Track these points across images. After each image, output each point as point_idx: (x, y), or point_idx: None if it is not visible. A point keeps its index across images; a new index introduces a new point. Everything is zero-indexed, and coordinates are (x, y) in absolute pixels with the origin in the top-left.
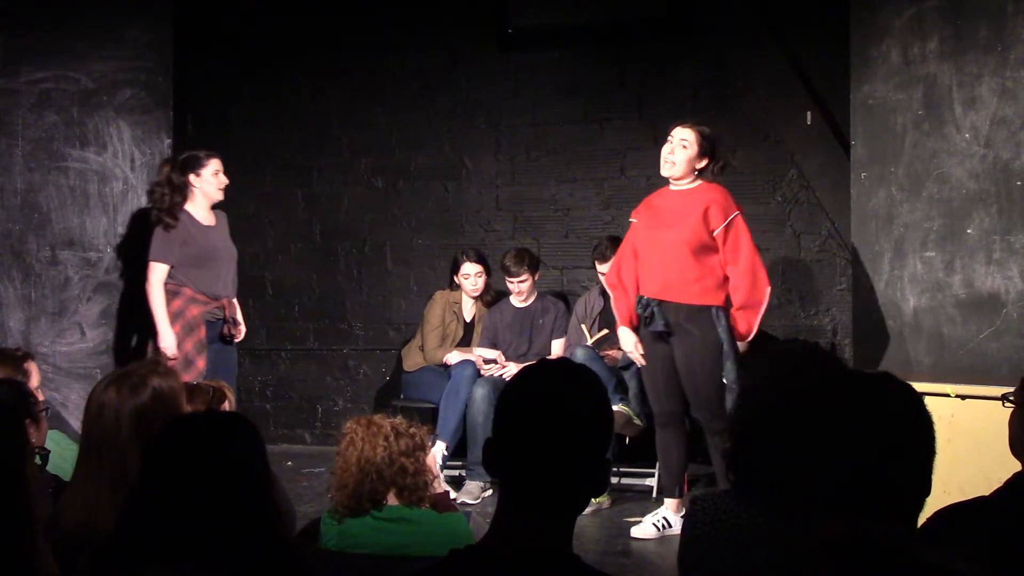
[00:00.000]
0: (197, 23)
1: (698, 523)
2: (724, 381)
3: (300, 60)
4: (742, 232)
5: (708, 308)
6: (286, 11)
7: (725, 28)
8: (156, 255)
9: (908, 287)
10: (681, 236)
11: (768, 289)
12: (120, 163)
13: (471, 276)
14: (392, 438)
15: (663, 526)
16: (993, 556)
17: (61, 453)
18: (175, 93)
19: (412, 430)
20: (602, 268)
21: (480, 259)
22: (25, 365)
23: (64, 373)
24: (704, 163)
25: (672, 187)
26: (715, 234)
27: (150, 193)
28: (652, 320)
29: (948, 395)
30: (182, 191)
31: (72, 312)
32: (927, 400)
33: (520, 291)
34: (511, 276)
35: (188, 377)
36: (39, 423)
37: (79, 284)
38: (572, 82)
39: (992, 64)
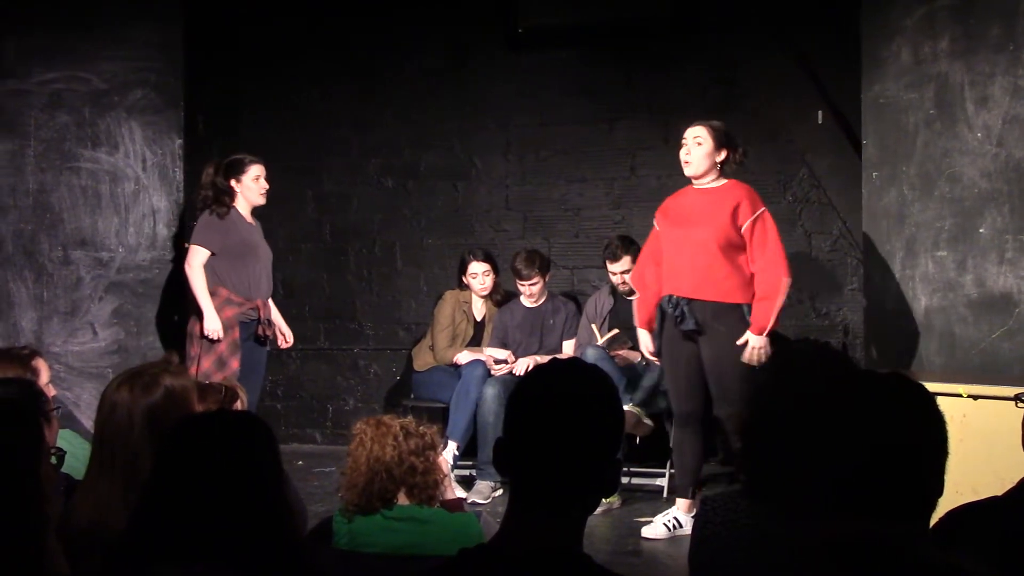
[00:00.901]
0: (207, 24)
1: (709, 523)
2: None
3: (310, 60)
4: (769, 228)
5: (738, 306)
6: (296, 11)
7: (734, 27)
8: (198, 239)
9: (920, 286)
10: (710, 234)
11: (785, 280)
12: (132, 163)
13: (479, 275)
14: (401, 437)
15: (674, 526)
16: (1006, 557)
17: (74, 452)
18: (185, 93)
19: (422, 429)
20: (612, 268)
21: (487, 258)
22: (33, 363)
23: (76, 372)
24: (723, 155)
25: (696, 186)
26: (743, 230)
27: (196, 196)
28: (683, 319)
29: (960, 395)
30: (227, 195)
31: (84, 312)
32: (939, 400)
33: (531, 293)
34: (522, 279)
35: (220, 377)
36: (50, 422)
37: (91, 284)
38: (581, 82)
39: (1004, 63)
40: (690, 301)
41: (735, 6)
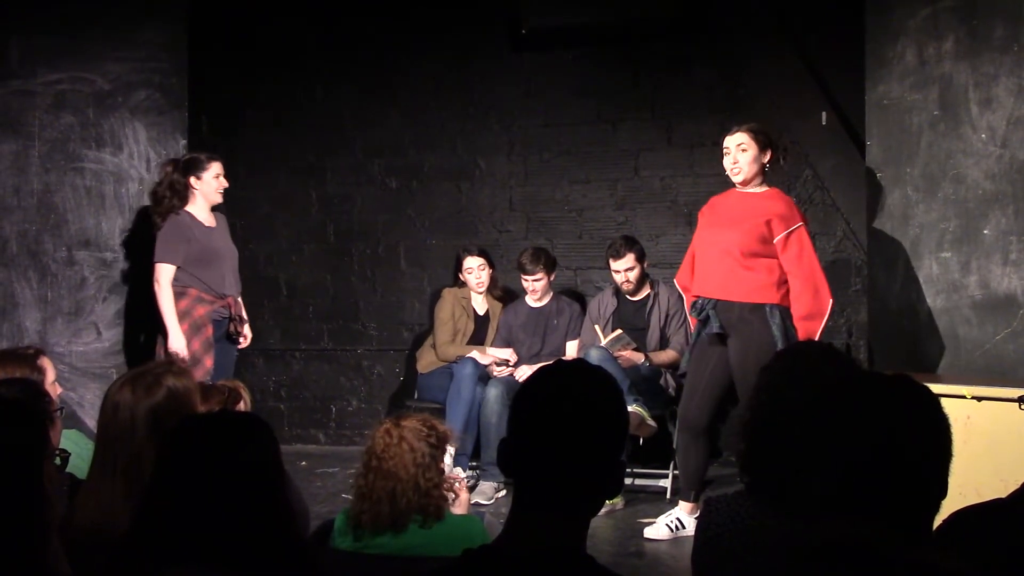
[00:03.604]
0: (211, 25)
1: (712, 524)
2: None
3: (314, 61)
4: (804, 243)
5: (762, 306)
6: (300, 12)
7: (739, 28)
8: (161, 256)
9: (924, 288)
10: (738, 239)
11: (831, 300)
12: (136, 164)
13: (474, 270)
14: (424, 461)
15: (676, 527)
16: (1009, 559)
17: (79, 452)
18: (190, 94)
19: (436, 436)
20: (615, 265)
21: (482, 252)
22: (39, 362)
23: (80, 373)
24: (768, 156)
25: (739, 189)
26: (775, 241)
27: (152, 194)
28: (708, 322)
29: (964, 396)
30: (182, 194)
31: (88, 312)
32: (942, 402)
33: (535, 290)
34: (526, 274)
35: (196, 375)
36: (54, 423)
37: (95, 284)
38: (585, 83)
39: (1008, 64)
40: (716, 303)
41: (739, 7)
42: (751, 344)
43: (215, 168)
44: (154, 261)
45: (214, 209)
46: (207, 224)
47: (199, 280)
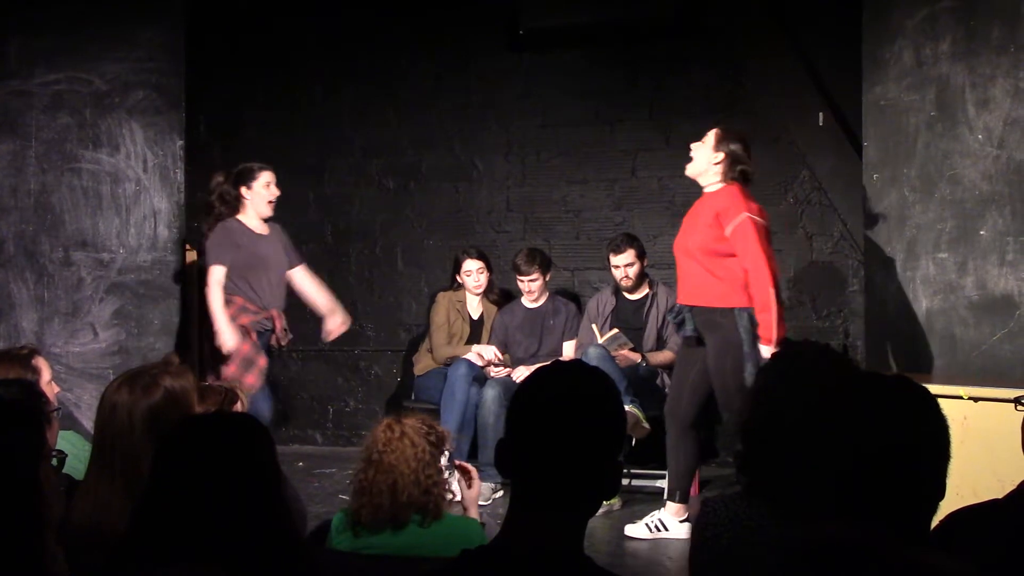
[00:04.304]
0: (209, 24)
1: (710, 525)
2: (745, 383)
3: (311, 61)
4: (748, 234)
5: (731, 310)
6: (297, 13)
7: (737, 29)
8: (212, 258)
9: (921, 289)
10: (695, 239)
11: (770, 290)
12: (133, 164)
13: (473, 272)
14: (422, 450)
15: (656, 528)
16: (1006, 559)
17: (76, 453)
18: (187, 94)
19: (434, 437)
20: (615, 260)
21: (481, 255)
22: (34, 362)
23: (77, 373)
24: (720, 157)
25: (703, 188)
26: (728, 234)
27: (204, 204)
28: (682, 325)
29: (961, 397)
30: (232, 204)
31: (85, 313)
32: (939, 402)
33: (531, 290)
34: (521, 274)
35: (252, 376)
36: (50, 424)
37: (92, 285)
38: (583, 83)
39: (1005, 65)
40: (692, 308)
41: (737, 8)
42: (722, 347)
43: (265, 177)
44: (206, 264)
45: (269, 221)
46: (257, 231)
47: (245, 288)
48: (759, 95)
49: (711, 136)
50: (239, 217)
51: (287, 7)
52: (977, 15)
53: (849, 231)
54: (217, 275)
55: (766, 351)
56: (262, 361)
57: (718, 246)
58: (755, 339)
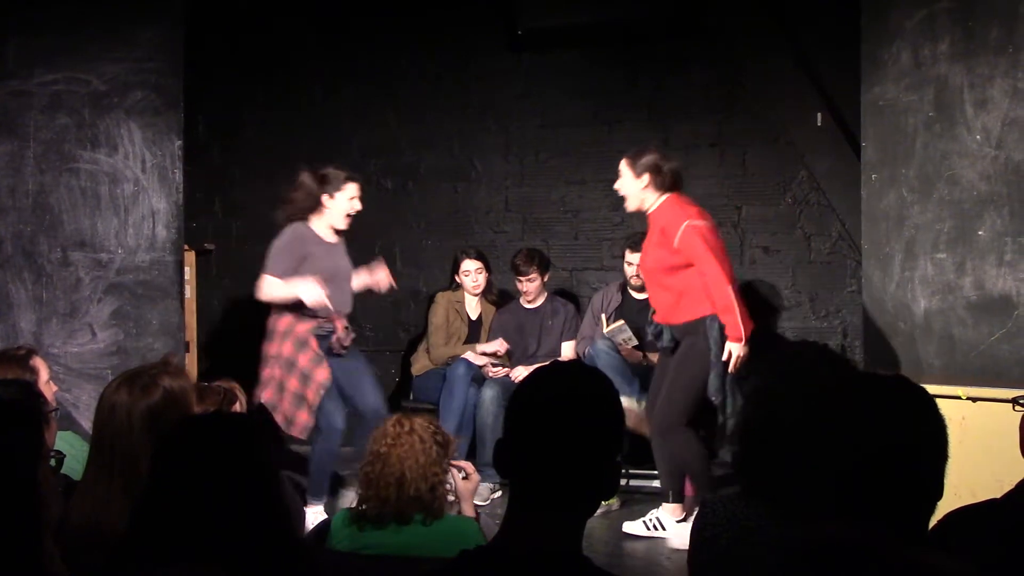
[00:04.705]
0: (208, 25)
1: (708, 525)
2: (707, 391)
3: (310, 62)
4: (693, 241)
5: (702, 319)
6: (296, 13)
7: (736, 29)
8: (270, 265)
9: (919, 289)
10: (650, 260)
11: (727, 290)
12: (131, 164)
13: (471, 272)
14: (430, 445)
15: (654, 526)
16: (1004, 559)
17: (74, 454)
18: (186, 95)
19: (441, 438)
20: (630, 258)
21: (479, 256)
22: (32, 362)
23: (75, 374)
24: (645, 179)
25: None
26: (676, 247)
27: (286, 197)
28: (660, 337)
29: (959, 397)
30: (313, 207)
31: (83, 313)
32: (938, 403)
33: (528, 291)
34: (520, 274)
35: (311, 391)
36: (48, 424)
37: (90, 285)
38: (582, 83)
39: (1003, 65)
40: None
41: (736, 8)
42: (690, 350)
43: (351, 190)
44: (262, 272)
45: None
46: (328, 240)
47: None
48: (758, 95)
49: (623, 168)
50: (312, 223)
51: (286, 7)
52: (975, 16)
53: (847, 231)
54: (269, 283)
55: (738, 348)
56: (320, 375)
57: (673, 260)
58: (722, 349)
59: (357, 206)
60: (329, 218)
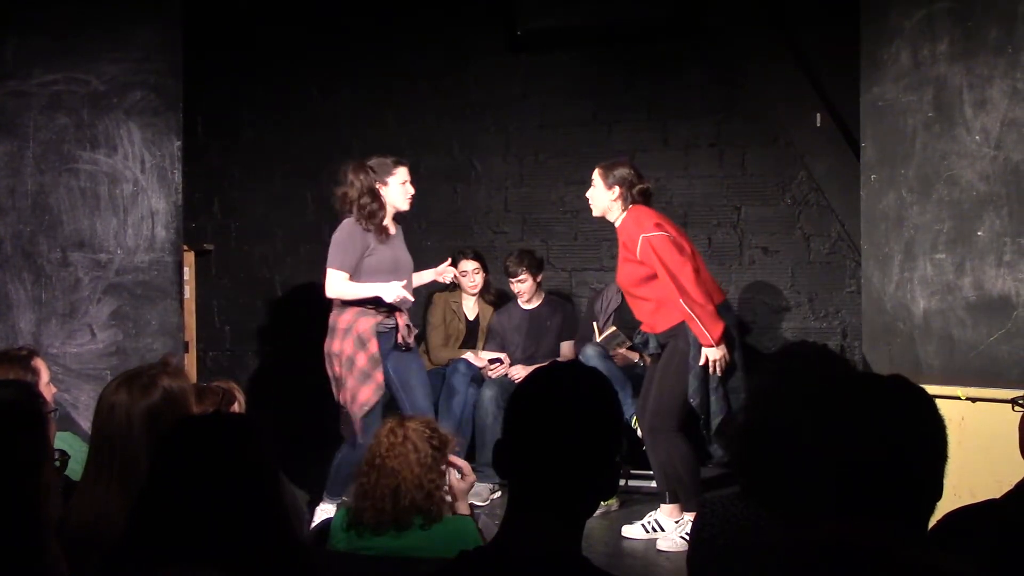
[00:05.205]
0: (207, 25)
1: (708, 525)
2: (685, 392)
3: (310, 62)
4: (649, 253)
5: (679, 326)
6: (295, 13)
7: (735, 30)
8: (334, 262)
9: (918, 289)
10: (623, 277)
11: (686, 300)
12: (130, 165)
13: (468, 273)
14: (425, 454)
15: (652, 528)
16: (1003, 559)
17: (73, 454)
18: (185, 95)
19: (438, 440)
20: None
21: (476, 256)
22: (33, 363)
23: (74, 374)
24: (616, 192)
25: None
26: (639, 259)
27: (351, 201)
28: (647, 344)
29: (958, 398)
30: (380, 200)
31: (82, 313)
32: (937, 403)
33: (521, 292)
34: (510, 276)
35: (367, 391)
36: (48, 424)
37: (89, 286)
38: (581, 84)
39: (1003, 66)
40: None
41: (734, 9)
42: (672, 352)
43: (402, 173)
44: (327, 266)
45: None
46: (389, 232)
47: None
48: (757, 96)
49: (596, 177)
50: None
51: (286, 8)
52: (975, 16)
53: (847, 232)
54: (338, 279)
55: (714, 353)
56: (379, 376)
57: (640, 271)
58: (699, 353)
59: (411, 190)
60: (390, 205)
